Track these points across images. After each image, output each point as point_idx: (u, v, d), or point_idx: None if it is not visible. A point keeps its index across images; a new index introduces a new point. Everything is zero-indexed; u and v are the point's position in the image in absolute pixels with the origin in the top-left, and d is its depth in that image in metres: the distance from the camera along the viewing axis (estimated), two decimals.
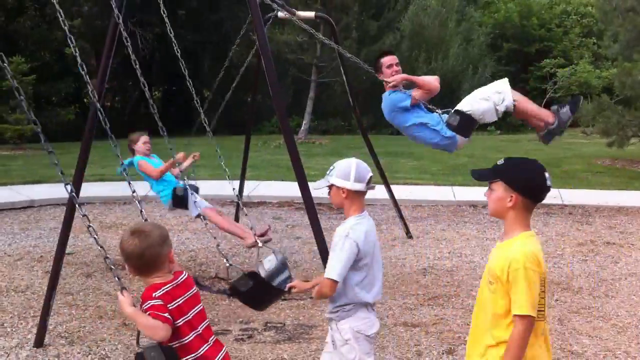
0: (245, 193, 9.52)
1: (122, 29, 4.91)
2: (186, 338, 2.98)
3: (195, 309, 3.07)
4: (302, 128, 24.48)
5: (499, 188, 2.91)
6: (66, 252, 5.47)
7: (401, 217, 9.04)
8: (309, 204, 4.94)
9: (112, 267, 3.36)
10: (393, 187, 9.21)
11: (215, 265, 7.62)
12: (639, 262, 7.92)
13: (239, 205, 9.04)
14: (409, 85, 6.21)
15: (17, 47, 23.48)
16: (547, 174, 2.87)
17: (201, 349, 3.02)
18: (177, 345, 2.95)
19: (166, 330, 2.85)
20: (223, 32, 28.82)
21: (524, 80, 37.53)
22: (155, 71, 34.62)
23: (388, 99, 6.13)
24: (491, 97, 5.72)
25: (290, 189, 11.32)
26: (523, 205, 2.88)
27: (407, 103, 5.98)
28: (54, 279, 5.21)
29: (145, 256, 2.93)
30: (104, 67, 5.32)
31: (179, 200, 6.91)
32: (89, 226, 3.41)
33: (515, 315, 2.79)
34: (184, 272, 3.14)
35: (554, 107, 5.96)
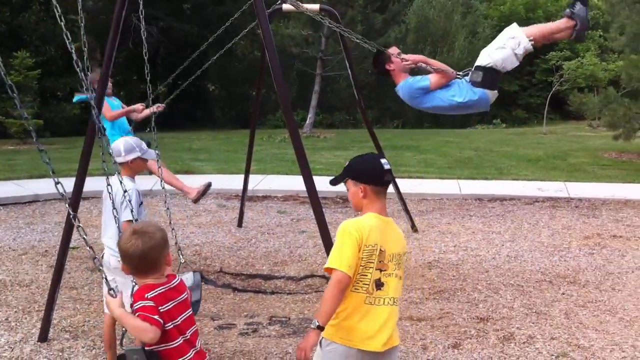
0: (250, 187, 9.49)
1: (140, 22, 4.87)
2: (174, 342, 2.91)
3: (185, 314, 3.00)
4: (307, 122, 24.40)
5: (351, 185, 3.29)
6: (70, 246, 5.46)
7: (406, 210, 9.00)
8: (313, 198, 4.91)
9: (101, 268, 3.31)
10: (398, 180, 9.19)
11: (220, 260, 7.61)
12: None
13: (244, 199, 9.09)
14: (419, 72, 5.99)
15: (22, 42, 23.46)
16: (383, 160, 3.26)
17: (189, 354, 2.95)
18: (163, 349, 2.89)
19: (154, 333, 2.77)
20: (228, 25, 28.76)
21: (530, 73, 37.41)
22: (161, 66, 34.59)
23: (405, 86, 5.78)
24: (507, 44, 5.60)
25: (295, 183, 11.28)
26: (373, 191, 3.25)
27: (427, 83, 5.65)
28: (59, 273, 5.20)
29: (147, 257, 2.88)
30: (107, 59, 5.31)
31: None
32: (78, 226, 3.33)
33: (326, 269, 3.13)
34: (177, 277, 3.09)
35: (567, 12, 5.84)
